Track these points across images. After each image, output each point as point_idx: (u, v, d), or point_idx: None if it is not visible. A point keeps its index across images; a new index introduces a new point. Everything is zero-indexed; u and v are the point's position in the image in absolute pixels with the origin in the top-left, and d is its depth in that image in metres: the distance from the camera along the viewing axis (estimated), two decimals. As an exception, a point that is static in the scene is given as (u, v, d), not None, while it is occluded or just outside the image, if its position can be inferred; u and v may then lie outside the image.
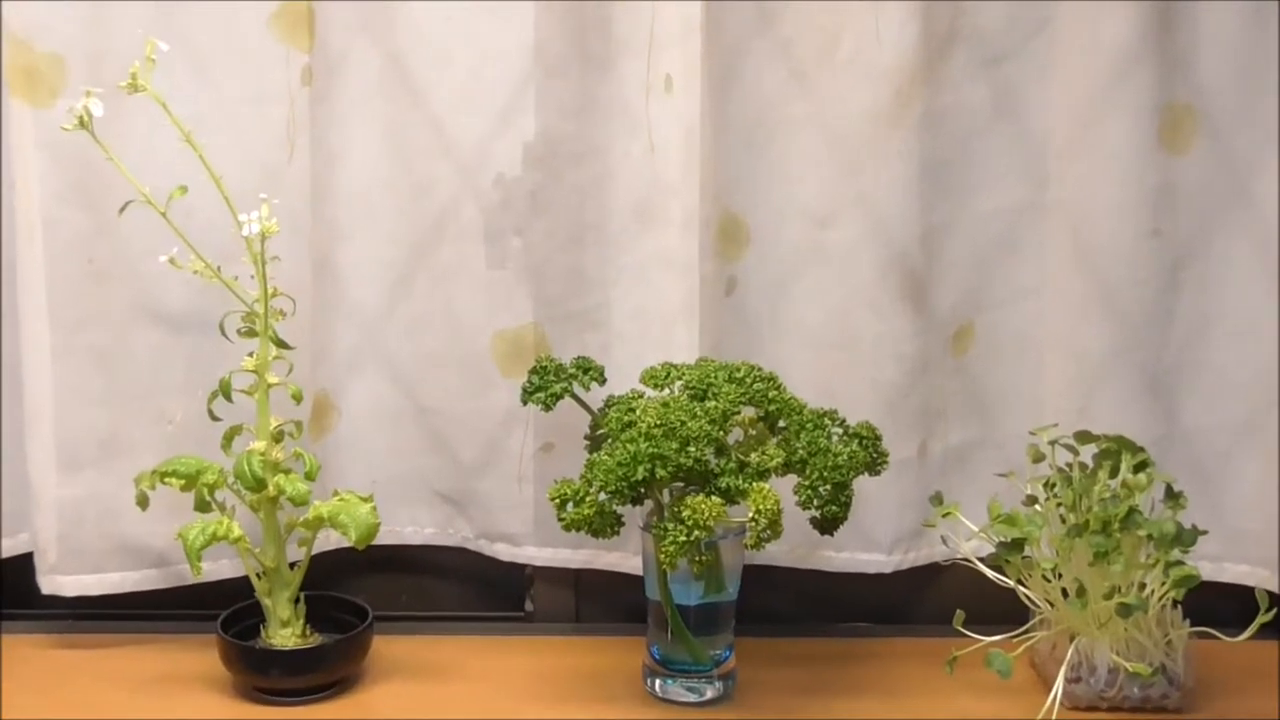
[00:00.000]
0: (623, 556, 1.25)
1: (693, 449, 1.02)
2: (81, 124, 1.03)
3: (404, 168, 1.21)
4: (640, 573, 1.21)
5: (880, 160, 1.18)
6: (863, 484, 1.12)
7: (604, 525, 1.04)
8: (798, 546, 1.23)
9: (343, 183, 1.21)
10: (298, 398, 1.11)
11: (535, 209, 1.19)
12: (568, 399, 1.12)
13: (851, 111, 1.17)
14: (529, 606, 1.29)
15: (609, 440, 1.07)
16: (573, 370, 1.12)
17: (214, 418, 1.10)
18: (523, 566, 1.27)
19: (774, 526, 1.03)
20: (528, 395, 1.11)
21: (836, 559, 1.24)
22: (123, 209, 1.05)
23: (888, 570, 1.24)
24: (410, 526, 1.28)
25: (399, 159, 1.21)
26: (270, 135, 1.18)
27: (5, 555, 1.25)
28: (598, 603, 1.28)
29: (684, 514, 1.02)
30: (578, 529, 1.05)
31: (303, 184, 1.19)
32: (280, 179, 1.18)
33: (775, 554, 1.23)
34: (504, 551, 1.26)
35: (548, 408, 1.11)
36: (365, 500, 1.11)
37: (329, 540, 1.20)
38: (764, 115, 1.19)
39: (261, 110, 1.17)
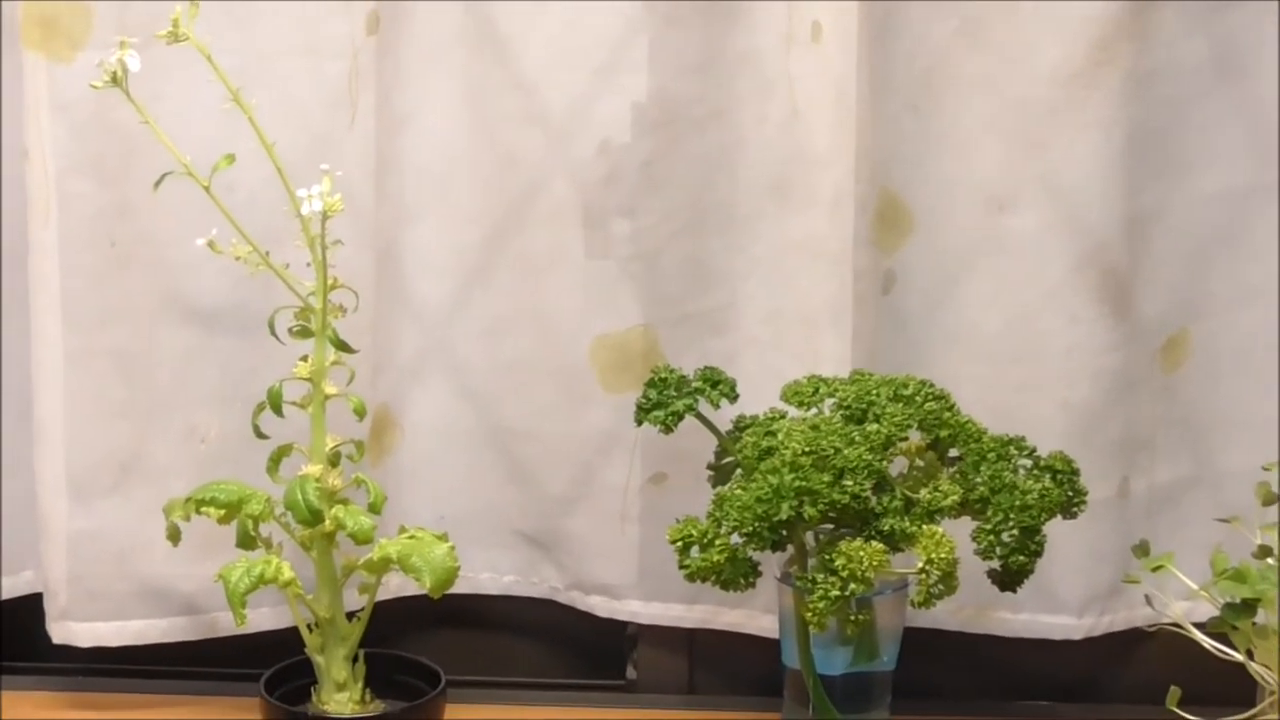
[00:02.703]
0: (748, 615, 1.24)
1: (849, 483, 1.01)
2: (115, 81, 1.03)
3: (486, 135, 1.20)
4: (769, 634, 1.20)
5: (1073, 131, 1.16)
6: (1047, 530, 1.09)
7: (736, 575, 1.03)
8: (966, 606, 1.22)
9: (411, 153, 1.21)
10: (360, 412, 1.10)
11: (647, 185, 1.19)
12: (690, 419, 1.11)
13: (1037, 71, 1.16)
14: (631, 673, 1.28)
15: (742, 471, 1.06)
16: (698, 384, 1.11)
17: (260, 435, 1.10)
18: (624, 625, 1.27)
19: (948, 580, 1.01)
20: (643, 413, 1.10)
21: (1014, 622, 1.23)
22: (159, 182, 1.05)
23: (1077, 636, 1.23)
24: (486, 573, 1.28)
25: (480, 124, 1.20)
26: (326, 95, 1.17)
27: (5, 596, 1.25)
28: (716, 670, 1.27)
29: (837, 563, 1.00)
30: (703, 578, 1.03)
31: (364, 154, 1.19)
32: (337, 148, 1.17)
33: (939, 615, 1.21)
34: (601, 606, 1.26)
35: (668, 429, 1.09)
36: (440, 539, 1.10)
37: (388, 587, 1.19)
38: (930, 74, 1.18)
39: (317, 65, 1.17)
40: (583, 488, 1.24)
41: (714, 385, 1.11)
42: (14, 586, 1.26)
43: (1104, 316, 1.18)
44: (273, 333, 1.09)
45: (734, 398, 1.12)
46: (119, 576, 1.20)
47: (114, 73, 1.03)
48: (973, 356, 1.20)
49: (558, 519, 1.25)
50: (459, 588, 1.23)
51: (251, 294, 1.16)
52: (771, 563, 1.08)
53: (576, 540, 1.25)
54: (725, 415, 1.13)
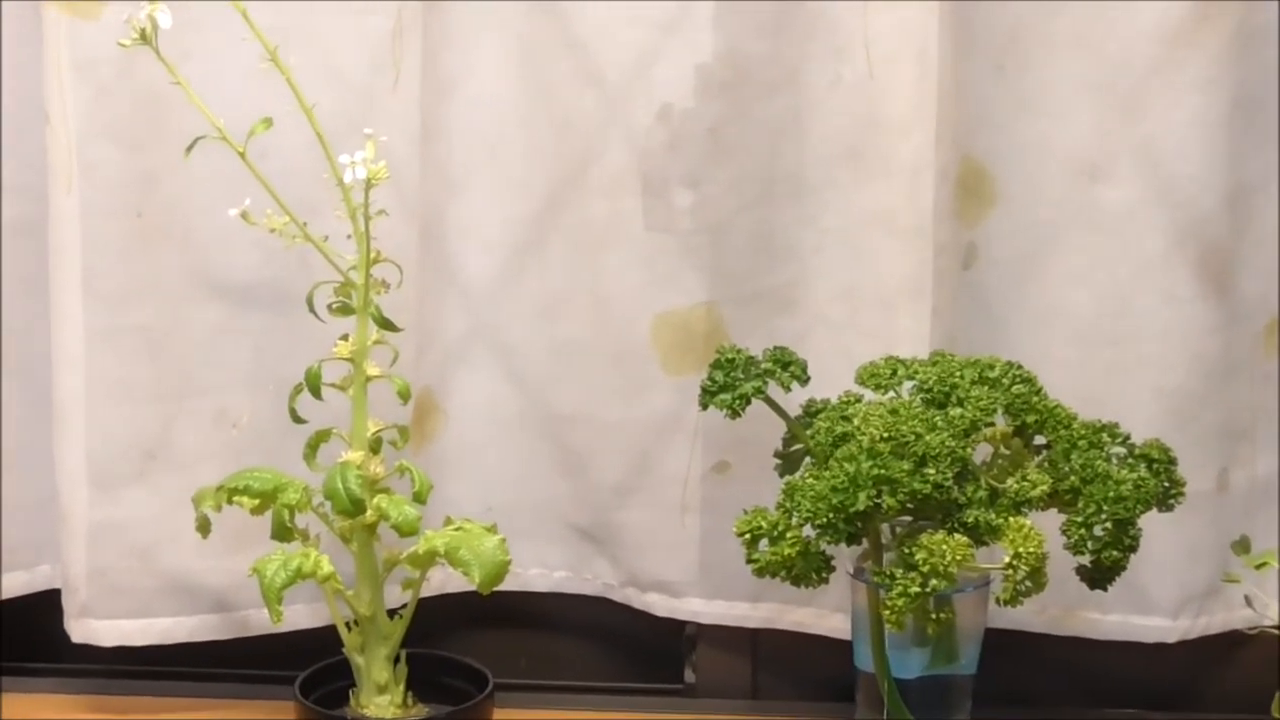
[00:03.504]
0: (816, 613, 1.23)
1: (931, 471, 1.00)
2: (144, 38, 1.03)
3: (538, 98, 1.20)
4: (839, 635, 1.20)
5: (1172, 94, 1.16)
6: (1140, 524, 1.09)
7: (809, 569, 1.03)
8: (1050, 606, 1.21)
9: (459, 117, 1.21)
10: (405, 394, 1.10)
11: (712, 153, 1.18)
12: (756, 404, 1.10)
13: (1135, 28, 1.15)
14: (690, 677, 1.28)
15: (813, 459, 1.05)
16: (768, 365, 1.10)
17: (297, 419, 1.10)
18: (683, 624, 1.27)
19: (1036, 576, 1.00)
20: (709, 397, 1.09)
21: (1103, 623, 1.22)
22: (191, 147, 1.05)
23: (1171, 640, 1.22)
24: (536, 569, 1.28)
25: (532, 87, 1.20)
26: (368, 54, 1.17)
27: (20, 593, 1.26)
28: (781, 673, 1.27)
29: (918, 557, 1.00)
30: (773, 574, 1.03)
31: (408, 118, 1.19)
32: (379, 112, 1.17)
33: (1022, 615, 1.20)
34: (659, 604, 1.26)
35: (735, 413, 1.09)
36: (490, 531, 1.10)
37: (430, 583, 1.19)
38: (1018, 32, 1.17)
39: (358, 21, 1.17)
40: (640, 477, 1.23)
41: (784, 367, 1.10)
42: (30, 582, 1.26)
43: (1203, 296, 1.18)
44: (311, 309, 1.08)
45: (805, 380, 1.11)
46: (144, 571, 1.20)
47: (143, 30, 1.03)
48: (1060, 338, 1.20)
49: (612, 511, 1.25)
50: (506, 584, 1.23)
51: (286, 268, 1.16)
52: (843, 557, 1.08)
53: (632, 534, 1.25)
54: (793, 400, 1.13)
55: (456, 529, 1.10)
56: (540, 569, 1.28)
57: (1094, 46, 1.16)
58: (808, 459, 1.10)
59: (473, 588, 1.09)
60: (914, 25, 1.14)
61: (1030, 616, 1.22)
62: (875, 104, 1.16)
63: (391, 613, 1.13)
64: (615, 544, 1.26)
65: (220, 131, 1.05)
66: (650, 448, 1.23)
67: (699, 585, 1.24)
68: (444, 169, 1.21)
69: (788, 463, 1.12)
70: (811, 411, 1.11)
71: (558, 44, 1.19)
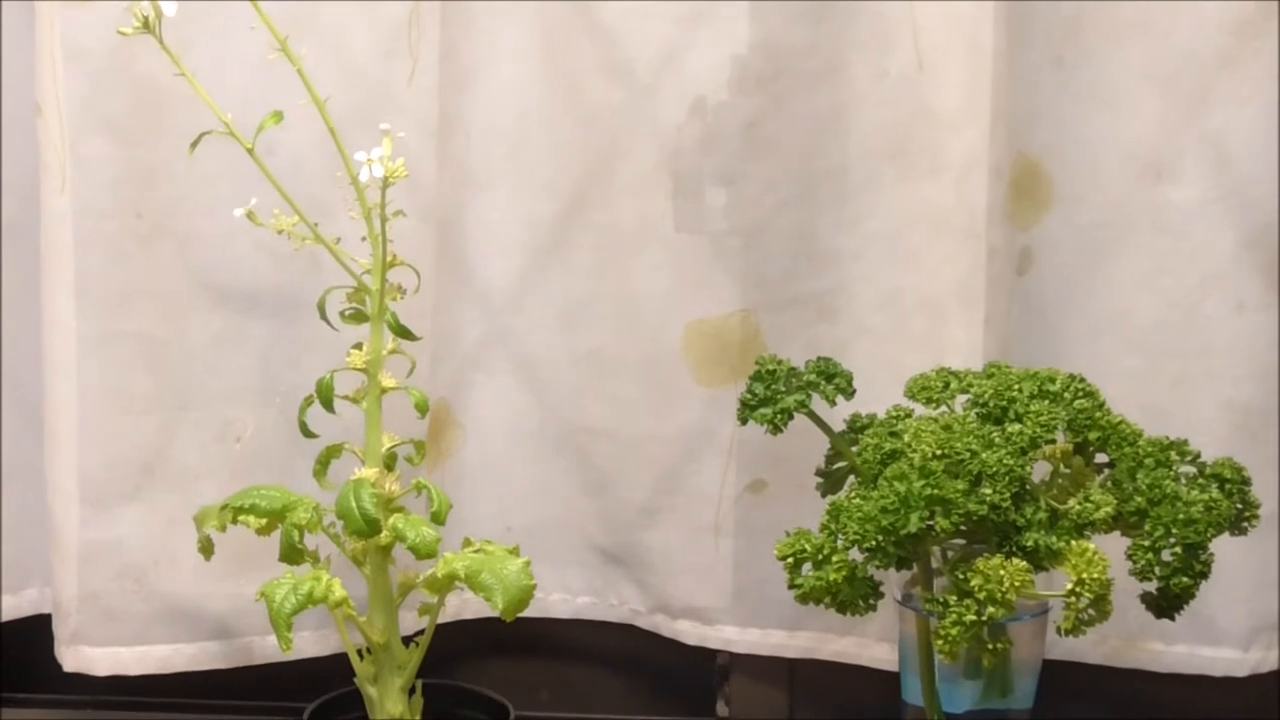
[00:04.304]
0: (858, 643, 1.23)
1: (988, 491, 1.00)
2: (146, 26, 1.03)
3: (562, 91, 1.20)
4: (883, 666, 1.20)
5: (1242, 87, 1.16)
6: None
7: (855, 596, 1.02)
8: (1111, 636, 1.21)
9: (478, 111, 1.21)
10: (422, 408, 1.10)
11: (748, 150, 1.18)
12: (796, 418, 1.10)
13: (1203, 16, 1.16)
14: (722, 710, 1.28)
15: (858, 477, 1.05)
16: (811, 377, 1.10)
17: (307, 433, 1.09)
18: (715, 654, 1.27)
19: (1100, 604, 1.00)
20: (749, 411, 1.09)
21: (1168, 655, 1.22)
22: (196, 142, 1.05)
23: (1241, 673, 1.22)
24: (558, 594, 1.28)
25: (556, 78, 1.20)
26: (382, 45, 1.17)
27: (7, 618, 1.26)
28: (820, 707, 1.27)
29: (973, 583, 0.99)
30: (817, 600, 1.02)
31: (425, 112, 1.19)
32: (394, 105, 1.17)
33: (1079, 646, 1.21)
34: (689, 632, 1.26)
35: (777, 429, 1.09)
36: (513, 553, 1.09)
37: (446, 608, 1.18)
38: (1078, 21, 1.17)
39: (371, 7, 1.17)
40: (669, 496, 1.24)
41: (829, 379, 1.10)
42: (17, 606, 1.27)
43: (1276, 304, 1.18)
44: (323, 316, 1.08)
45: (850, 394, 1.11)
46: (140, 595, 1.20)
47: (145, 17, 1.03)
48: (1122, 348, 1.20)
49: (640, 532, 1.25)
50: (526, 610, 1.23)
51: (294, 272, 1.16)
52: (889, 583, 1.07)
53: (661, 556, 1.25)
54: (834, 414, 1.12)
55: (476, 551, 1.10)
56: (563, 594, 1.28)
57: (1159, 36, 1.16)
58: (852, 477, 1.10)
59: (490, 614, 1.08)
60: (966, 13, 1.14)
61: (1088, 647, 1.22)
62: (923, 98, 1.16)
63: (406, 640, 1.13)
64: (643, 567, 1.26)
65: (228, 126, 1.05)
66: (680, 464, 1.23)
67: (732, 612, 1.24)
68: (461, 166, 1.21)
69: (830, 482, 1.12)
70: (857, 427, 1.11)
71: (582, 33, 1.19)
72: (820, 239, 1.20)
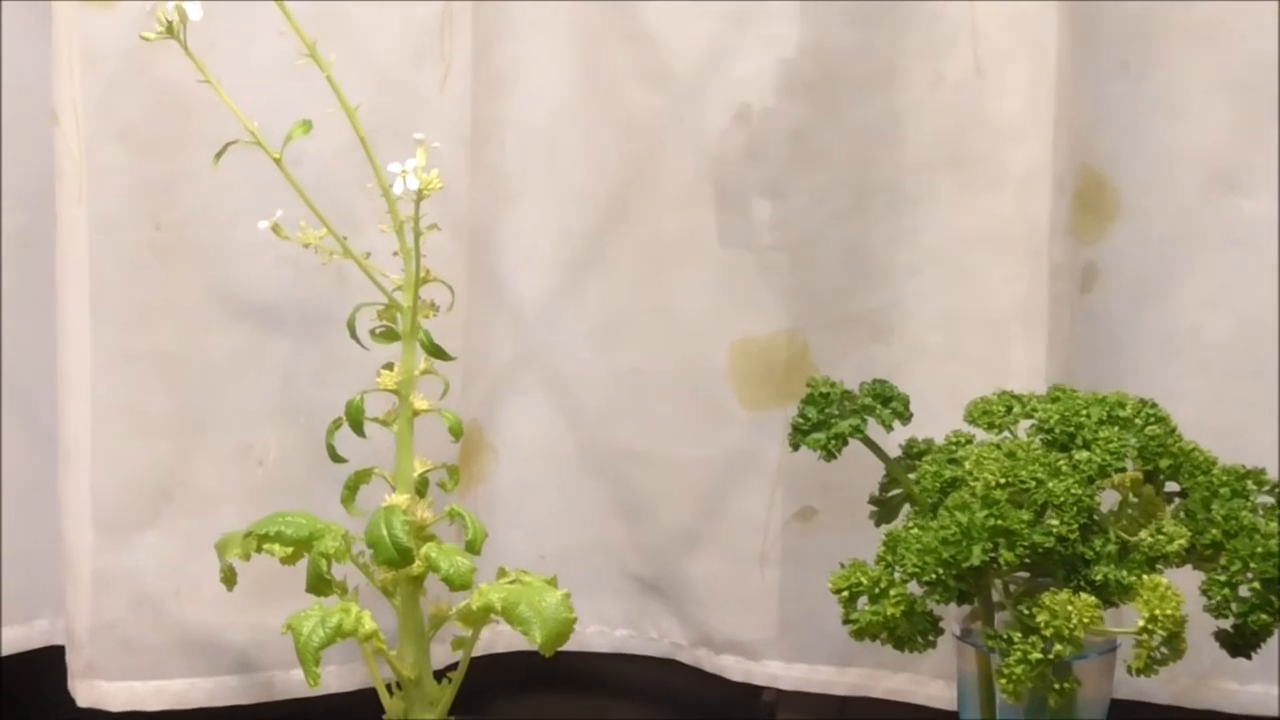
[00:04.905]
0: (913, 679, 1.23)
1: (1055, 522, 0.99)
2: (170, 31, 1.03)
3: (603, 95, 1.21)
4: (939, 704, 1.19)
5: (1321, 93, 1.15)
6: None
7: (914, 631, 1.02)
8: (1180, 675, 1.20)
9: (513, 118, 1.22)
10: (456, 431, 1.09)
11: (796, 160, 1.18)
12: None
13: (1276, 20, 1.15)
14: (768, 748, 1.28)
15: (915, 506, 1.05)
16: (866, 400, 1.10)
17: (336, 458, 1.09)
18: (760, 690, 1.26)
19: (1174, 642, 0.99)
20: (801, 435, 1.09)
21: (1241, 695, 1.21)
22: (221, 152, 1.05)
23: (1317, 714, 1.21)
24: (594, 625, 1.28)
25: (594, 84, 1.21)
26: (413, 48, 1.18)
27: (17, 650, 1.26)
28: (872, 745, 1.27)
29: (1039, 619, 0.98)
30: (873, 636, 1.02)
31: (457, 119, 1.19)
32: (426, 112, 1.18)
33: (1146, 685, 1.19)
34: (734, 667, 1.26)
35: (830, 455, 1.08)
36: (551, 584, 1.09)
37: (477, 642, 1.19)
38: (1145, 24, 1.17)
39: (403, 12, 1.17)
40: (712, 524, 1.24)
41: (885, 402, 1.10)
42: (26, 638, 1.27)
43: (1356, 322, 1.18)
44: (353, 334, 1.08)
45: (907, 418, 1.11)
46: (157, 625, 1.20)
47: (170, 21, 1.03)
48: (1192, 368, 1.20)
49: (681, 561, 1.25)
50: (560, 642, 1.24)
51: (319, 288, 1.16)
52: (948, 618, 1.06)
53: (703, 587, 1.25)
54: (888, 438, 1.12)
55: (513, 582, 1.09)
56: (600, 626, 1.28)
57: (1232, 39, 1.16)
58: (907, 506, 1.09)
59: (524, 647, 1.09)
60: (1029, 15, 1.14)
61: (1157, 686, 1.21)
62: (983, 105, 1.16)
63: (438, 675, 1.12)
64: (684, 599, 1.26)
65: (254, 136, 1.04)
66: (724, 490, 1.23)
67: (779, 646, 1.24)
68: (495, 175, 1.22)
69: (884, 510, 1.12)
70: (914, 453, 1.10)
71: (621, 35, 1.20)
72: (873, 254, 1.20)
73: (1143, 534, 1.02)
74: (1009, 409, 1.08)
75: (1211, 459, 1.06)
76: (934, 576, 1.00)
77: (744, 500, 1.23)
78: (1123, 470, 1.04)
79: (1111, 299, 1.21)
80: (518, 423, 1.26)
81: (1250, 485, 1.06)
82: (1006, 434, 1.07)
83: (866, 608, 1.02)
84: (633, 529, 1.26)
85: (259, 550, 1.09)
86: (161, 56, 1.05)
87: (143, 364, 1.18)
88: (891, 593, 1.01)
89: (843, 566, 1.03)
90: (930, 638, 1.03)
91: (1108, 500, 1.06)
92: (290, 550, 1.09)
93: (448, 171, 1.16)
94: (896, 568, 1.01)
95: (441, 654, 1.14)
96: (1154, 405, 1.07)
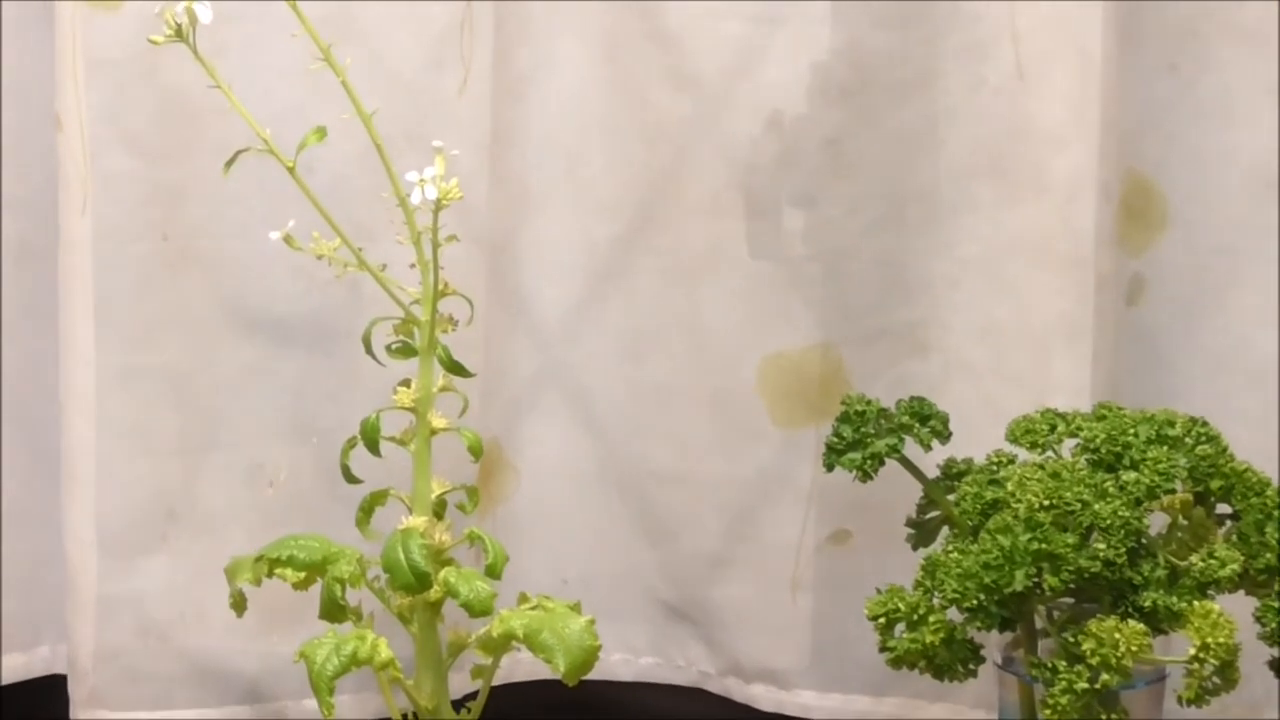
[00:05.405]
0: (953, 709, 1.23)
1: (1102, 546, 0.99)
2: (179, 34, 1.03)
3: (628, 99, 1.21)
4: (981, 736, 1.19)
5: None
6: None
7: (954, 660, 1.02)
8: (1231, 704, 1.17)
9: (534, 124, 1.22)
10: (476, 450, 1.09)
11: (830, 168, 1.19)
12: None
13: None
14: (800, 781, 1.27)
15: (954, 529, 1.05)
16: (904, 418, 1.10)
17: (351, 479, 1.09)
18: (793, 720, 1.26)
19: (1227, 671, 0.99)
20: (835, 455, 1.09)
21: (1294, 725, 1.21)
22: (231, 160, 1.05)
23: (1377, 749, 1.21)
24: (619, 653, 1.28)
25: (620, 87, 1.21)
26: (430, 49, 1.18)
27: (17, 679, 1.26)
28: (909, 778, 1.27)
29: (1085, 646, 0.98)
30: (911, 664, 1.02)
31: (477, 125, 1.19)
32: (443, 117, 1.18)
33: (1197, 716, 1.18)
34: (764, 696, 1.26)
35: (867, 475, 1.08)
36: (574, 610, 1.09)
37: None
38: (1194, 25, 1.17)
39: (418, 11, 1.17)
40: (742, 546, 1.24)
41: (923, 421, 1.10)
42: (27, 666, 1.27)
43: None
44: (368, 350, 1.08)
45: (946, 437, 1.11)
46: (163, 653, 1.20)
47: (179, 24, 1.03)
48: (1243, 385, 1.20)
49: (709, 585, 1.25)
50: (582, 670, 1.24)
51: (332, 301, 1.16)
52: (989, 645, 1.06)
53: (733, 613, 1.25)
54: (925, 458, 1.12)
55: (534, 608, 1.09)
56: (624, 654, 1.28)
57: (1285, 41, 1.16)
58: (946, 529, 1.09)
59: (545, 676, 1.08)
60: (1073, 16, 1.14)
61: (1205, 716, 1.20)
62: (1025, 109, 1.16)
63: (456, 704, 1.12)
64: (713, 625, 1.26)
65: (266, 143, 1.05)
66: (754, 511, 1.23)
67: (812, 675, 1.24)
68: (516, 184, 1.22)
69: (922, 533, 1.12)
70: (953, 473, 1.10)
71: (647, 38, 1.20)
72: (910, 266, 1.20)
73: (1193, 558, 1.02)
74: (1053, 428, 1.07)
75: (1265, 480, 1.06)
76: (975, 602, 1.00)
77: (775, 522, 1.23)
78: (1172, 492, 1.03)
79: (1159, 312, 1.21)
80: (539, 441, 1.26)
81: (1306, 507, 1.06)
82: (1050, 454, 1.07)
83: (904, 635, 1.02)
84: (659, 552, 1.26)
85: (270, 575, 1.09)
86: (169, 60, 1.05)
87: (149, 380, 1.18)
88: (930, 619, 1.01)
89: (879, 592, 1.03)
90: (971, 666, 1.03)
91: (1156, 523, 1.06)
92: (303, 575, 1.09)
93: (468, 180, 1.16)
94: (936, 593, 1.01)
95: (460, 683, 1.13)
96: (1205, 424, 1.07)
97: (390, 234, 1.07)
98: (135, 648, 1.20)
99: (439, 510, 1.10)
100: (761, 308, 1.21)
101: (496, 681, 1.21)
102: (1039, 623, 1.05)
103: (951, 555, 1.01)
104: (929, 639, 1.01)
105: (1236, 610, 1.03)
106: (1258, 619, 1.03)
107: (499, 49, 1.19)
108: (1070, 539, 1.00)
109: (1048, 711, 1.00)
